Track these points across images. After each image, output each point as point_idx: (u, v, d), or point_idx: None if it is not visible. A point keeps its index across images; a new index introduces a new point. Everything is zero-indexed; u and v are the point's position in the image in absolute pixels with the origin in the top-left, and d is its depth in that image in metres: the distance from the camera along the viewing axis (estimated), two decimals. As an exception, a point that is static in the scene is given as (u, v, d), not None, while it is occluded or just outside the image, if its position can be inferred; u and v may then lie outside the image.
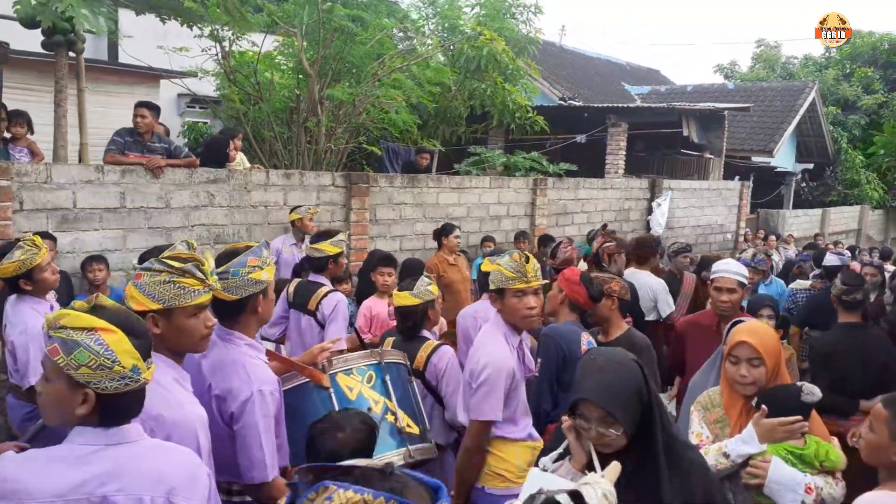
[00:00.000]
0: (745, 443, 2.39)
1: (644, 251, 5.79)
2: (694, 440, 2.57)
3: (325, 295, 4.12)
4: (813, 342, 4.64)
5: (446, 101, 10.87)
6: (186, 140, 10.33)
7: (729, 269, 3.90)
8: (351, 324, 4.68)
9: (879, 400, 2.25)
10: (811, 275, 7.36)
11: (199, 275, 2.08)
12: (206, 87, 9.59)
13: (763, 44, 28.65)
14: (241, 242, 3.07)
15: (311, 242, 4.36)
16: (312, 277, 4.31)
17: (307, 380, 2.77)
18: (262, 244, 2.58)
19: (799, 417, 2.36)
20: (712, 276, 4.00)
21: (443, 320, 4.50)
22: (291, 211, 6.37)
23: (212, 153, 6.73)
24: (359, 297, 5.96)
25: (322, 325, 4.10)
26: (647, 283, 5.48)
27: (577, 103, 14.58)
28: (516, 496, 2.85)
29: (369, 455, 2.22)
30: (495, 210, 8.59)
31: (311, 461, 2.19)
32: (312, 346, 3.79)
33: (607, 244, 5.67)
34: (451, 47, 10.85)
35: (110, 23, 6.39)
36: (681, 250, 6.44)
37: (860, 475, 2.34)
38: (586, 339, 3.41)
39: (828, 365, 4.06)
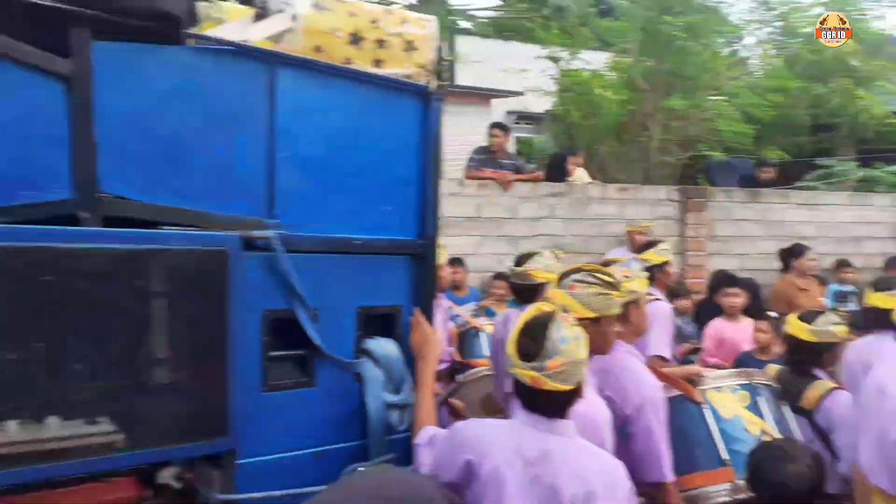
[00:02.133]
0: None
1: None
2: None
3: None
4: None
5: (785, 110, 9.91)
6: (521, 155, 11.02)
7: None
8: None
9: None
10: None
11: (619, 288, 2.32)
12: (536, 104, 10.13)
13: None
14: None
15: (637, 253, 4.30)
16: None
17: (680, 393, 2.77)
18: (630, 259, 2.69)
19: None
20: None
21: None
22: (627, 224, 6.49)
23: (552, 169, 7.14)
24: (699, 318, 5.73)
25: None
26: None
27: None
28: None
29: (819, 496, 2.15)
30: (854, 230, 7.61)
31: (755, 488, 2.22)
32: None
33: None
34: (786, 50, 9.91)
35: None
36: None
37: None
38: None
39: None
